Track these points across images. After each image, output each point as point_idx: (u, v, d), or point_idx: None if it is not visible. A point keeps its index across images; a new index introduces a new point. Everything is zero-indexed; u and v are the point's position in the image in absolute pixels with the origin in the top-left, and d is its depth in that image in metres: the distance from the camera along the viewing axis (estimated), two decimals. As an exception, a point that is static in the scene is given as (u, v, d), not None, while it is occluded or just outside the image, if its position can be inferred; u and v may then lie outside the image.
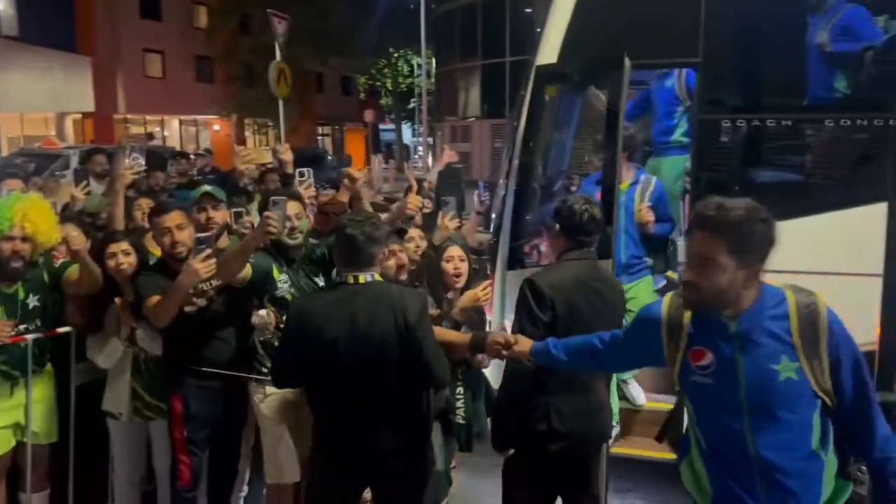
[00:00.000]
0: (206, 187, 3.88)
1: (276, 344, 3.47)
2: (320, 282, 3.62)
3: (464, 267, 3.65)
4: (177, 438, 3.55)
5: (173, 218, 3.46)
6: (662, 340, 2.21)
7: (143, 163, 4.22)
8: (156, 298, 3.31)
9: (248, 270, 3.40)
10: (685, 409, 2.26)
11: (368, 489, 3.09)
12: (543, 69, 4.22)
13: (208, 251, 3.16)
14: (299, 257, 3.66)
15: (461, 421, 3.61)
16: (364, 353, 2.78)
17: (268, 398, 3.57)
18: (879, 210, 3.66)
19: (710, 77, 4.08)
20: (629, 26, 4.16)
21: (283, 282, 3.55)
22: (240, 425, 3.76)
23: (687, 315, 2.15)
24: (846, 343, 2.02)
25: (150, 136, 8.97)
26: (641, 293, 4.63)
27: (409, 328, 2.80)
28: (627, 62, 3.80)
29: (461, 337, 3.21)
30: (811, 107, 4.11)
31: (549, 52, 4.22)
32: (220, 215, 3.77)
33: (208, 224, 3.70)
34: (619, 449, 4.00)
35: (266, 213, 3.31)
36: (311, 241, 3.84)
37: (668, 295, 2.27)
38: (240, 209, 3.82)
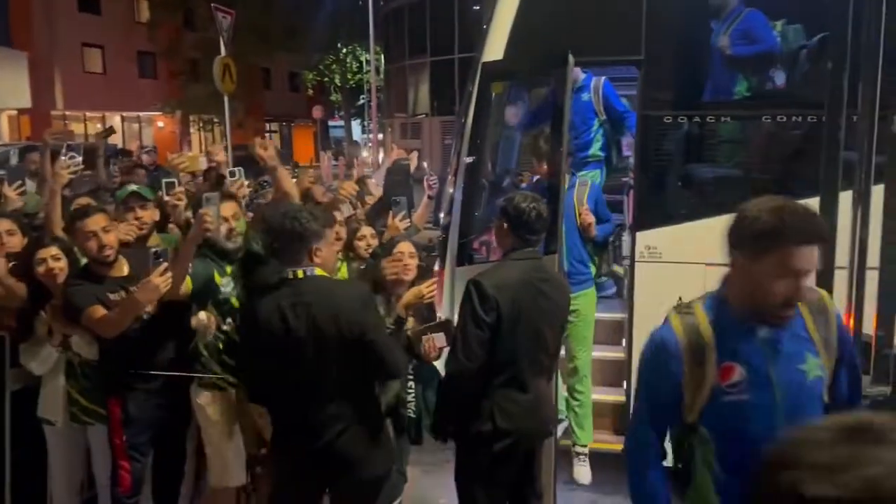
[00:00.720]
0: (133, 186, 3.82)
1: (221, 346, 3.43)
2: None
3: (413, 263, 3.62)
4: (116, 444, 3.45)
5: (97, 221, 3.32)
6: (683, 370, 1.98)
7: (80, 161, 4.06)
8: (100, 311, 3.20)
9: (188, 284, 3.29)
10: (687, 441, 2.06)
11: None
12: (489, 66, 4.23)
13: (165, 265, 3.06)
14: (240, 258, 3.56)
15: (412, 415, 3.61)
16: (308, 350, 2.75)
17: (211, 403, 3.49)
18: (814, 205, 3.78)
19: (652, 74, 4.14)
20: (573, 23, 4.20)
21: (225, 285, 3.46)
22: (183, 426, 3.68)
23: (706, 332, 1.98)
24: (848, 336, 1.99)
25: (110, 131, 8.47)
26: (585, 306, 4.63)
27: (353, 324, 2.77)
28: (571, 59, 3.83)
29: None
30: (749, 103, 4.21)
31: (494, 48, 4.24)
32: (149, 214, 3.69)
33: (137, 224, 3.62)
34: (566, 441, 4.05)
35: (201, 210, 3.24)
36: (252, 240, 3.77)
37: (673, 318, 2.04)
38: (172, 179, 3.71)
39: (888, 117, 2.44)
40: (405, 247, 3.64)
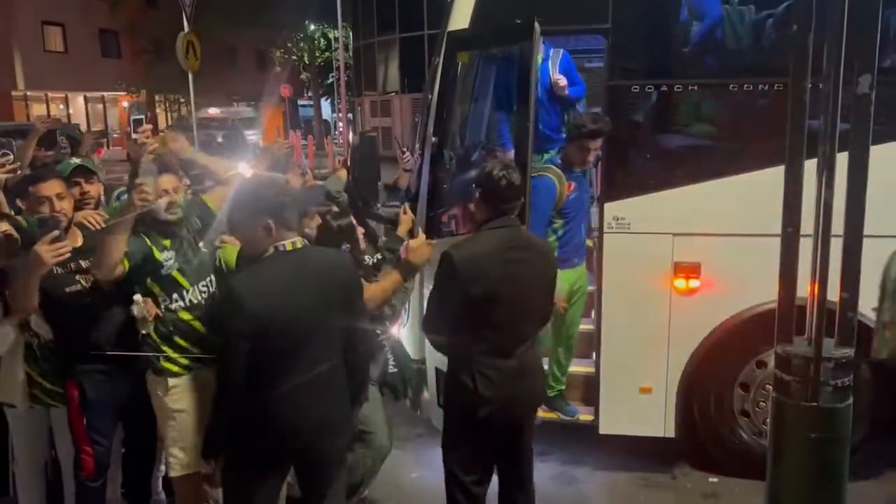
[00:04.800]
0: (77, 160, 3.71)
1: (171, 328, 3.29)
2: (203, 247, 3.45)
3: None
4: (77, 428, 3.36)
5: (52, 187, 3.21)
6: None
7: (13, 159, 3.88)
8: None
9: (124, 264, 3.13)
10: None
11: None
12: (455, 34, 4.17)
13: (55, 233, 2.84)
14: (180, 232, 3.38)
15: (394, 369, 3.84)
16: (316, 320, 2.73)
17: (172, 390, 3.32)
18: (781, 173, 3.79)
19: (619, 43, 4.11)
20: (540, -8, 4.15)
21: (167, 259, 3.29)
22: (150, 405, 3.60)
23: None
24: None
25: (56, 122, 7.94)
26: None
27: (350, 296, 2.84)
28: (537, 27, 3.78)
29: (393, 279, 3.38)
30: (716, 72, 4.20)
31: (460, 16, 4.17)
32: (94, 188, 3.58)
33: (83, 199, 3.49)
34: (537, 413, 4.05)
35: (138, 180, 3.07)
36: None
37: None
38: (140, 116, 3.51)
39: (853, 82, 2.42)
40: (352, 220, 3.76)
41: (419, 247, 3.50)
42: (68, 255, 2.92)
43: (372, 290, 3.28)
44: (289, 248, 2.75)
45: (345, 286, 2.86)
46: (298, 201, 2.84)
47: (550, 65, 5.03)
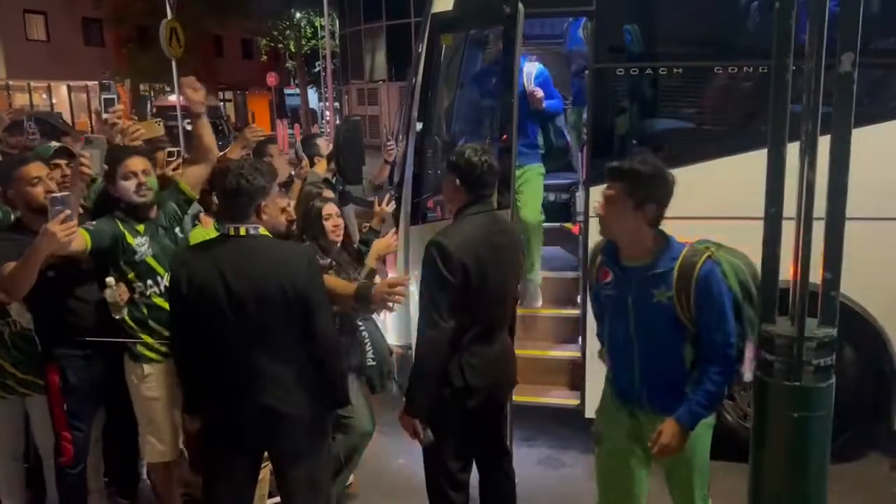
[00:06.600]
0: (56, 144, 3.67)
1: (145, 312, 3.29)
2: (180, 233, 3.43)
3: (341, 222, 3.70)
4: (57, 414, 3.32)
5: (38, 168, 3.20)
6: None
7: None
8: (11, 266, 2.97)
9: (86, 240, 3.06)
10: None
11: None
12: (439, 16, 4.13)
13: (67, 212, 2.79)
14: (153, 216, 3.36)
15: (373, 363, 3.75)
16: (247, 310, 2.68)
17: (147, 378, 3.31)
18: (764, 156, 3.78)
19: (603, 26, 4.08)
20: (525, -27, 4.11)
21: (140, 245, 3.26)
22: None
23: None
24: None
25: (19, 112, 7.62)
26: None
27: (297, 292, 2.71)
28: (521, 9, 3.75)
29: (347, 287, 3.20)
30: (701, 55, 4.18)
31: (444, -2, 4.14)
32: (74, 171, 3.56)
33: (64, 181, 3.43)
34: (522, 397, 4.04)
35: (79, 152, 3.02)
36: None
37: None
38: (111, 96, 3.47)
39: (836, 63, 2.40)
40: (331, 208, 3.68)
41: (383, 244, 3.53)
42: (76, 234, 2.86)
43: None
44: (231, 233, 2.74)
45: (296, 282, 2.73)
46: (256, 193, 2.74)
47: (525, 77, 4.88)
